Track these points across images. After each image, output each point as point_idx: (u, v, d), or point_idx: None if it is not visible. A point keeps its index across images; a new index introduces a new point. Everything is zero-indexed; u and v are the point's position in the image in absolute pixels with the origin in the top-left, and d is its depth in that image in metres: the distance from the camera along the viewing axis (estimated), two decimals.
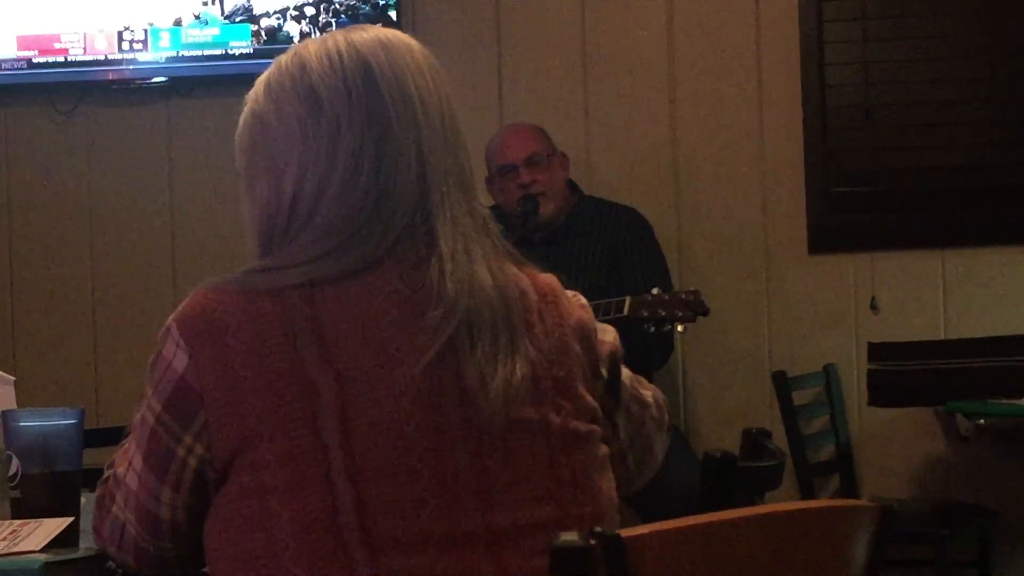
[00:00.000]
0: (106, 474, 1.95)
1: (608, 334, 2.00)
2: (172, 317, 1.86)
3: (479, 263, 1.87)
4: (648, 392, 2.13)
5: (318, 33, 5.23)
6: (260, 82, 1.97)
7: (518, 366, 1.84)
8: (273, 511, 1.78)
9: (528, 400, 1.85)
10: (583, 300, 1.99)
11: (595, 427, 1.93)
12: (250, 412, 1.79)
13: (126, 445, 1.92)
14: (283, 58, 1.97)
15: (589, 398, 1.93)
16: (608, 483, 1.95)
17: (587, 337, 1.95)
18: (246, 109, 1.97)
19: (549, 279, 1.96)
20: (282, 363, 1.79)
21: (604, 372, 1.97)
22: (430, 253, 1.86)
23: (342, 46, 1.93)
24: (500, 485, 1.83)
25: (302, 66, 1.93)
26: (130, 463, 1.89)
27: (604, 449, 1.96)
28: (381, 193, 1.87)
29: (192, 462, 1.84)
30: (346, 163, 1.88)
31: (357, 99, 1.90)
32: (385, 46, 1.94)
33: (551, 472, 1.86)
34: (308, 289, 1.83)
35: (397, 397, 1.80)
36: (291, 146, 1.91)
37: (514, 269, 1.92)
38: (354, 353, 1.81)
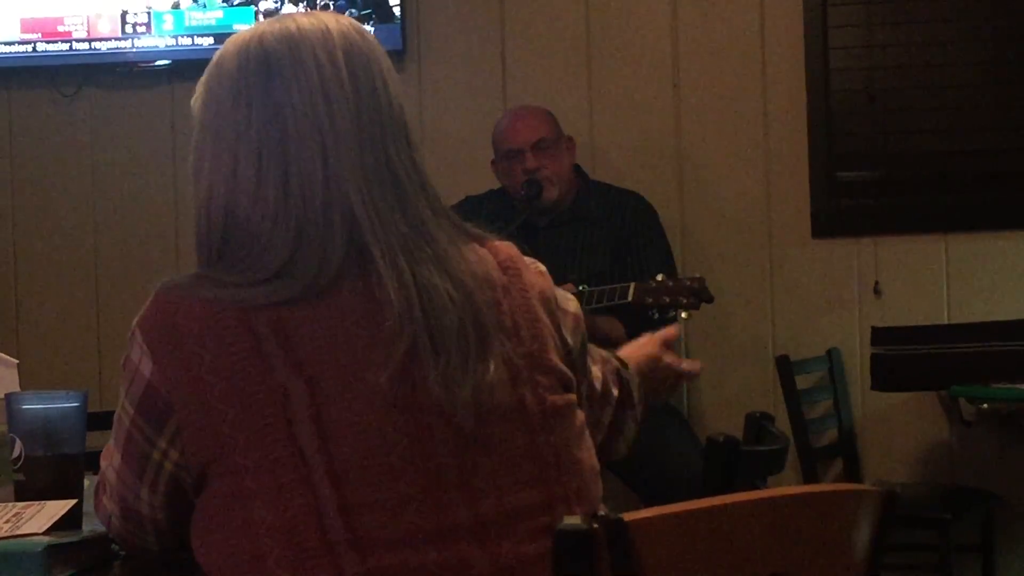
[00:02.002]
0: (101, 463, 1.97)
1: (571, 303, 1.98)
2: (136, 320, 1.85)
3: (426, 265, 1.82)
4: (607, 373, 2.14)
5: None
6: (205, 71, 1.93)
7: (492, 366, 1.81)
8: (256, 516, 1.77)
9: (504, 386, 1.83)
10: (541, 267, 1.96)
11: (571, 396, 1.92)
12: (222, 419, 1.78)
13: (110, 440, 1.93)
14: (219, 50, 1.92)
15: (563, 366, 1.91)
16: (588, 452, 1.93)
17: (550, 305, 1.92)
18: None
19: (508, 248, 1.92)
20: (250, 369, 1.77)
21: (571, 342, 1.95)
22: (369, 265, 1.81)
23: (253, 41, 1.87)
24: (484, 474, 1.81)
25: (219, 63, 1.89)
26: (111, 461, 1.91)
27: (581, 417, 1.94)
28: (299, 206, 1.81)
29: (168, 466, 1.84)
30: (248, 176, 1.83)
31: (255, 103, 1.84)
32: (291, 37, 1.86)
33: (534, 454, 1.85)
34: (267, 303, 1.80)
35: (370, 398, 1.78)
36: (204, 148, 1.87)
37: (474, 251, 1.88)
38: (322, 358, 1.78)
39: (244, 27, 5.24)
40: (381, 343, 1.79)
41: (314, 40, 1.86)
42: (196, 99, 1.92)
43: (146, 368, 1.82)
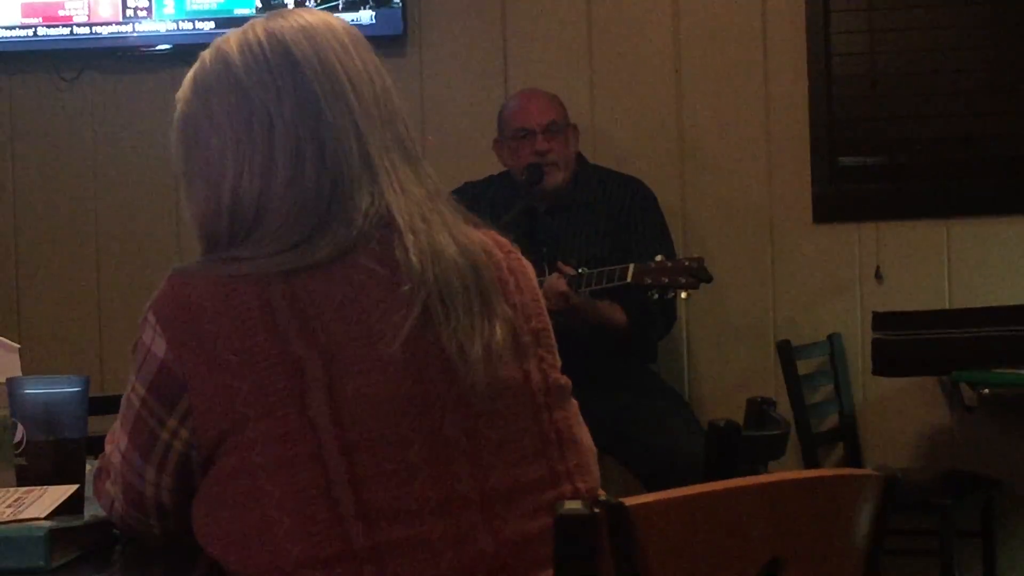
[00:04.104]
0: (106, 448, 1.98)
1: None
2: (148, 304, 1.87)
3: (439, 230, 1.88)
4: None
5: (314, 2, 5.22)
6: (187, 80, 1.96)
7: (497, 327, 1.86)
8: (264, 489, 1.78)
9: (510, 359, 1.87)
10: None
11: (567, 377, 1.97)
12: (236, 395, 1.79)
13: (116, 424, 1.94)
14: (206, 54, 1.95)
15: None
16: (585, 434, 1.98)
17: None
18: (177, 109, 1.95)
19: (497, 234, 1.99)
20: (264, 342, 1.79)
21: None
22: (390, 229, 1.86)
23: (262, 37, 1.92)
24: (491, 447, 1.84)
25: (226, 63, 1.92)
26: (117, 443, 1.91)
27: (575, 400, 1.99)
28: (332, 181, 1.87)
29: (177, 445, 1.85)
30: (286, 159, 1.87)
31: (285, 91, 1.89)
32: (305, 31, 1.92)
33: (538, 430, 1.89)
34: (284, 274, 1.83)
35: (382, 368, 1.81)
36: (225, 147, 1.90)
37: (475, 232, 1.94)
38: (336, 328, 1.81)
39: (245, 11, 5.29)
40: (395, 309, 1.82)
41: (324, 31, 1.93)
42: (188, 99, 1.94)
43: (159, 348, 1.83)
